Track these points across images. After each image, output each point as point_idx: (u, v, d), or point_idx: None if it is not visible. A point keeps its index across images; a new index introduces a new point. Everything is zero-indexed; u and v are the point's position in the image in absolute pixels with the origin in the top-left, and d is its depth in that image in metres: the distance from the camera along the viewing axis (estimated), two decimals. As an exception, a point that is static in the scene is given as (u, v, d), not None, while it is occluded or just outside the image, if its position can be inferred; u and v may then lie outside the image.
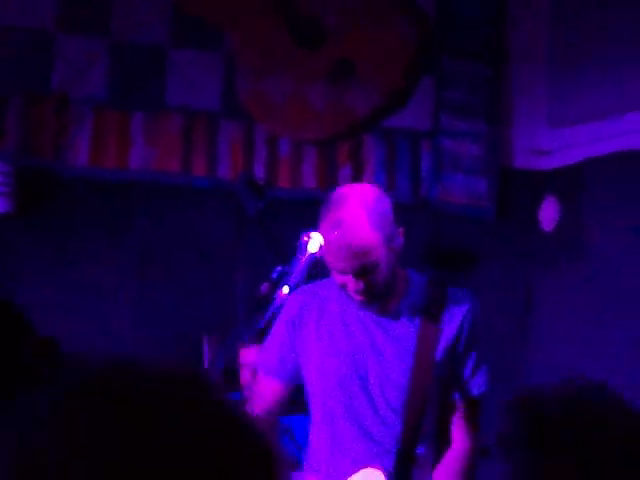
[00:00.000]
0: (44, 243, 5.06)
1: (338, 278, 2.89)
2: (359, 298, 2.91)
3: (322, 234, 2.87)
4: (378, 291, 2.91)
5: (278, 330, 3.12)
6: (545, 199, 5.53)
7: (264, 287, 2.94)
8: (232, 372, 4.52)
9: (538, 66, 5.67)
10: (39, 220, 5.07)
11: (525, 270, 5.55)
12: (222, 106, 5.33)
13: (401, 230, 2.93)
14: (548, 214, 5.51)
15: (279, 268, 2.97)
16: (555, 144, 5.55)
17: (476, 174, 5.56)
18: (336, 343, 3.02)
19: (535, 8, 5.69)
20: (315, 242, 3.05)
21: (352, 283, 2.86)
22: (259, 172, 5.30)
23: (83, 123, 5.12)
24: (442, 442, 3.10)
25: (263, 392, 3.14)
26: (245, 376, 3.46)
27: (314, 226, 3.11)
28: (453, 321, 3.00)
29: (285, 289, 2.90)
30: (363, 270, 2.82)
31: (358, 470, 3.01)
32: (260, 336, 2.97)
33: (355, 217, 2.80)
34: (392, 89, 5.43)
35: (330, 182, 5.43)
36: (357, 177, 5.46)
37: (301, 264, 2.98)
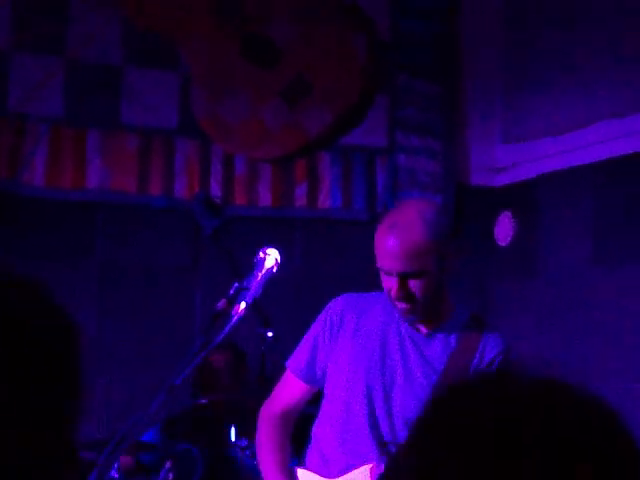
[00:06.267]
0: None
1: (385, 282, 2.90)
2: (401, 306, 2.91)
3: (378, 236, 2.88)
4: (421, 304, 2.91)
5: (313, 332, 3.11)
6: (500, 215, 5.59)
7: (221, 303, 2.93)
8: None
9: (492, 84, 5.73)
10: (-5, 240, 5.04)
11: (481, 285, 5.59)
12: (178, 124, 5.34)
13: (456, 254, 2.91)
14: (503, 229, 5.57)
15: (236, 284, 2.97)
16: (509, 160, 5.61)
17: (432, 190, 5.60)
18: (370, 351, 3.01)
19: (488, 26, 5.76)
20: (271, 258, 3.06)
21: (395, 288, 2.86)
22: (215, 190, 5.31)
23: (39, 142, 5.11)
24: None
25: (286, 391, 3.14)
26: None
27: (270, 243, 3.12)
28: (485, 358, 3.02)
29: (242, 305, 2.91)
30: (408, 272, 2.84)
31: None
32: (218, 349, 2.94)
33: (410, 221, 2.84)
34: (347, 106, 5.46)
35: (286, 200, 5.46)
36: (313, 195, 5.48)
37: (258, 280, 2.99)
